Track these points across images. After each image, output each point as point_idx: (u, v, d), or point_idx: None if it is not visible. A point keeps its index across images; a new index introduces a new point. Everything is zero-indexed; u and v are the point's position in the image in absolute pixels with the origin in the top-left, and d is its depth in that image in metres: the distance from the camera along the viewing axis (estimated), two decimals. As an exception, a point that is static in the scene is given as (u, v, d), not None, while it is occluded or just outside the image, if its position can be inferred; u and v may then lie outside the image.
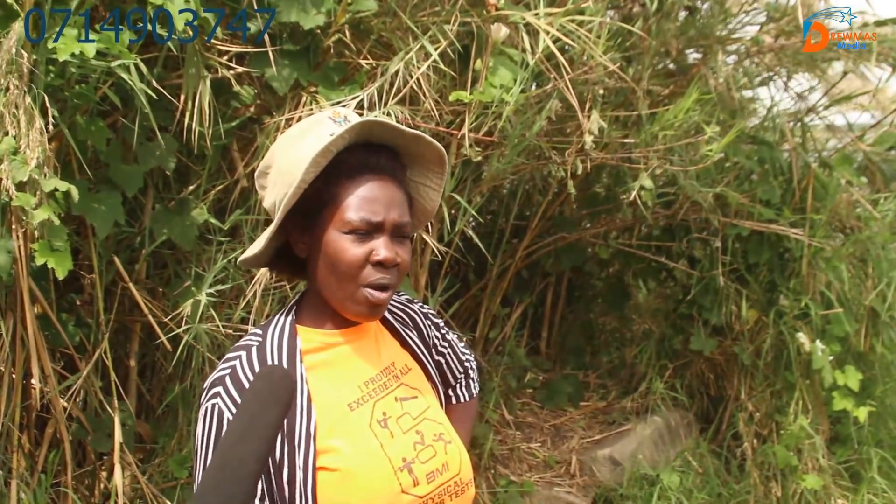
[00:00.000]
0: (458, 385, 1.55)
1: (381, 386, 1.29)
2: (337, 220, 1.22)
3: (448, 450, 1.28)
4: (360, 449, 1.21)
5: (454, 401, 1.54)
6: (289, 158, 1.23)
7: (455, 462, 1.29)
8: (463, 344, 1.57)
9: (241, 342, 1.27)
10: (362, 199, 1.22)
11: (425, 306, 1.47)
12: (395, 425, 1.26)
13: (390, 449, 1.23)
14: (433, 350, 1.43)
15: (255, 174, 1.32)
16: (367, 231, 1.22)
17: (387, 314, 1.39)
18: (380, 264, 1.22)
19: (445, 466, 1.27)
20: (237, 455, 1.00)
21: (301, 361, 1.24)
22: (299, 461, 1.17)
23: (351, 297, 1.23)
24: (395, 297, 1.44)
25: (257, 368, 1.21)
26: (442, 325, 1.48)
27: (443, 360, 1.47)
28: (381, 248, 1.22)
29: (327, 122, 1.24)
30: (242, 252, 1.46)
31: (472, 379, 1.58)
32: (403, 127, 1.25)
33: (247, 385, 1.19)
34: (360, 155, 1.24)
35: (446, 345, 1.48)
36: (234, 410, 1.17)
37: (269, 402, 1.05)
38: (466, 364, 1.55)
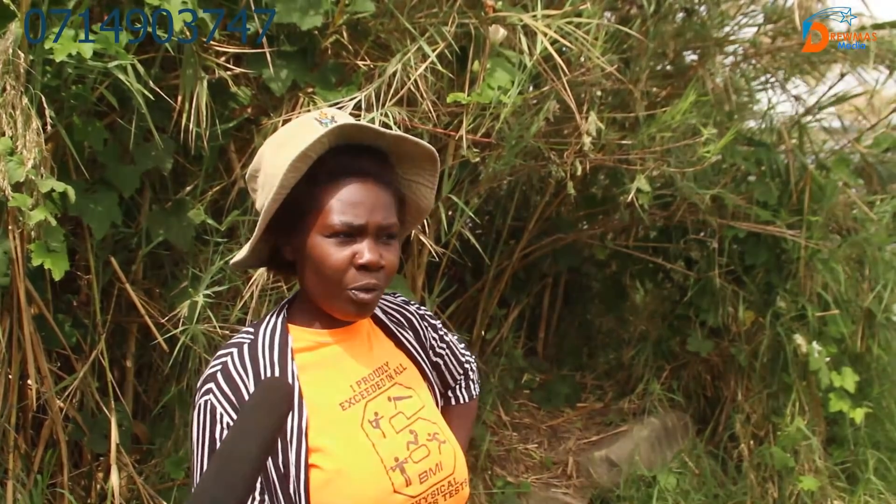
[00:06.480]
0: (457, 386, 1.55)
1: (373, 386, 1.29)
2: (320, 225, 1.22)
3: (442, 449, 1.28)
4: (351, 448, 1.21)
5: (454, 402, 1.54)
6: (274, 162, 1.23)
7: (449, 462, 1.29)
8: (463, 345, 1.57)
9: (232, 340, 1.28)
10: (344, 203, 1.22)
11: (422, 308, 1.47)
12: (388, 425, 1.26)
13: (382, 448, 1.23)
14: (430, 351, 1.43)
15: (246, 176, 1.33)
16: (349, 234, 1.22)
17: (381, 315, 1.39)
18: (363, 267, 1.22)
19: (439, 466, 1.27)
20: (238, 450, 1.03)
21: (293, 360, 1.24)
22: (292, 457, 1.18)
23: (337, 299, 1.24)
24: (391, 298, 1.44)
25: (248, 365, 1.22)
26: (440, 326, 1.48)
27: (441, 362, 1.47)
28: (364, 251, 1.22)
29: (313, 124, 1.24)
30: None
31: (472, 380, 1.58)
32: (384, 129, 1.25)
33: (238, 381, 1.20)
34: (343, 158, 1.24)
35: (444, 346, 1.48)
36: (224, 405, 1.19)
37: (267, 411, 1.07)
38: (466, 365, 1.56)
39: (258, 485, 1.17)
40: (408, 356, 1.38)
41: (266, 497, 1.17)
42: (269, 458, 1.18)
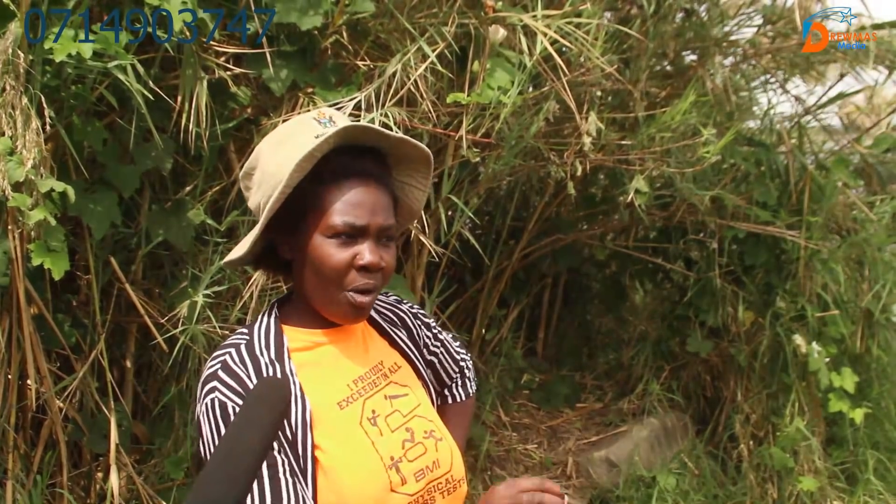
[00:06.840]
0: (453, 384, 1.55)
1: (369, 384, 1.29)
2: (321, 225, 1.22)
3: (439, 447, 1.29)
4: (349, 447, 1.21)
5: (450, 400, 1.54)
6: (273, 161, 1.23)
7: (446, 459, 1.29)
8: (458, 343, 1.57)
9: (227, 341, 1.27)
10: (346, 204, 1.22)
11: (415, 306, 1.47)
12: (384, 423, 1.26)
13: (381, 446, 1.23)
14: (424, 350, 1.44)
15: (241, 174, 1.32)
16: (351, 235, 1.22)
17: (374, 314, 1.39)
18: (364, 269, 1.22)
19: (436, 464, 1.27)
20: (242, 440, 1.03)
21: (289, 358, 1.24)
22: (299, 450, 1.18)
23: (335, 301, 1.24)
24: (383, 297, 1.45)
25: (248, 362, 1.21)
26: (433, 324, 1.48)
27: (436, 360, 1.48)
28: (365, 252, 1.22)
29: (312, 124, 1.25)
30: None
31: (469, 378, 1.58)
32: (387, 131, 1.26)
33: (241, 374, 1.19)
34: (345, 158, 1.24)
35: (438, 344, 1.48)
36: (232, 397, 1.17)
37: (269, 407, 1.07)
38: (462, 363, 1.55)
39: (289, 466, 1.15)
40: (402, 355, 1.38)
41: (296, 479, 1.16)
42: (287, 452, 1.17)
